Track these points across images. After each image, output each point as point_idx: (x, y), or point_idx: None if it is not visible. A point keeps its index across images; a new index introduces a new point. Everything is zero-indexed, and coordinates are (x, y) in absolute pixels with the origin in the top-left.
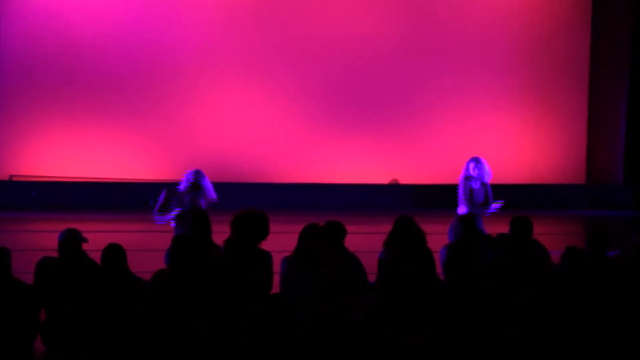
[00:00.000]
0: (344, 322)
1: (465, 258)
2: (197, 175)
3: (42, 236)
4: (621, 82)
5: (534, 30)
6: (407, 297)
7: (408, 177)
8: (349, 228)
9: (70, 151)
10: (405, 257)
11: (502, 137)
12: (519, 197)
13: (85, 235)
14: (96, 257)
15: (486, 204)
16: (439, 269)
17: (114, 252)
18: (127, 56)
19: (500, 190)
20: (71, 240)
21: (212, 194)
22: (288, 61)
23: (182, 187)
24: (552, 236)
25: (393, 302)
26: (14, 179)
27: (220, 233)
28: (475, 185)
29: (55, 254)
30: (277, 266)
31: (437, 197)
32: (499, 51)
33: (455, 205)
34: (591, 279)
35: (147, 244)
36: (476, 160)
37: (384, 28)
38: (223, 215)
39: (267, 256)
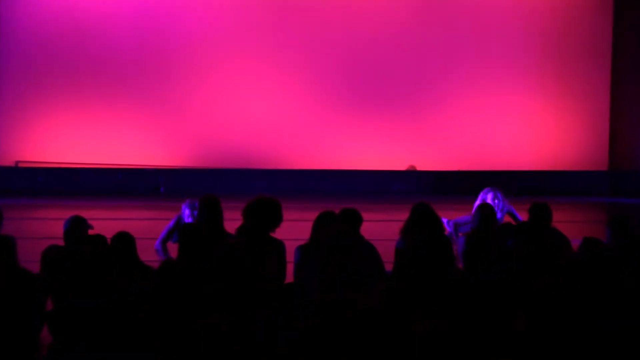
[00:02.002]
0: (358, 310)
1: (484, 247)
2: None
3: (49, 224)
4: None
5: (555, 12)
6: (424, 286)
7: (426, 163)
8: (365, 216)
9: (77, 136)
10: (423, 245)
11: (521, 122)
12: (539, 184)
13: (93, 222)
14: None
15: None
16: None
17: (124, 241)
18: (135, 38)
19: (520, 177)
20: (77, 228)
21: None
22: (298, 42)
23: (188, 218)
24: (573, 224)
25: (406, 290)
26: (20, 165)
27: (232, 220)
28: (498, 215)
29: (61, 242)
30: (290, 255)
31: (456, 183)
32: (518, 34)
33: (475, 193)
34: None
35: (157, 231)
36: (494, 191)
37: (400, 8)
38: (234, 201)
39: (280, 245)
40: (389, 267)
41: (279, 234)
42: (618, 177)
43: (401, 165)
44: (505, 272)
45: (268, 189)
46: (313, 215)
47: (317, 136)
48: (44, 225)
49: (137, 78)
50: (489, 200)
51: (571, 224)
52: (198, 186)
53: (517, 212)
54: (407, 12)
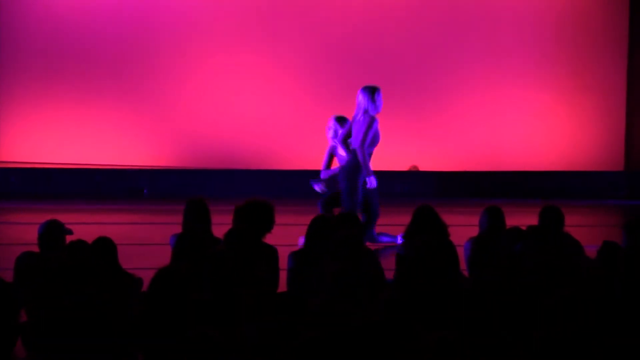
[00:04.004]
0: (358, 321)
1: (491, 252)
2: None
3: (22, 228)
4: None
5: (568, 4)
6: (427, 294)
7: (429, 163)
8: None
9: (52, 134)
10: (426, 251)
11: (532, 120)
12: (551, 186)
13: (70, 227)
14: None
15: None
16: (462, 264)
17: (104, 247)
18: (114, 28)
19: (531, 178)
20: (53, 233)
21: None
22: (292, 34)
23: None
24: (587, 228)
25: (409, 299)
26: None
27: (221, 225)
28: None
29: (36, 248)
30: (283, 262)
31: (461, 185)
32: (530, 26)
33: (483, 195)
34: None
35: (140, 237)
36: None
37: (402, 4)
38: (223, 204)
39: (272, 251)
40: (389, 274)
41: (270, 238)
42: (635, 177)
43: (403, 166)
44: (515, 278)
45: (260, 191)
46: (308, 219)
47: (313, 134)
48: (17, 230)
49: (116, 72)
50: None
51: (585, 228)
52: (184, 188)
53: None
54: (412, 2)
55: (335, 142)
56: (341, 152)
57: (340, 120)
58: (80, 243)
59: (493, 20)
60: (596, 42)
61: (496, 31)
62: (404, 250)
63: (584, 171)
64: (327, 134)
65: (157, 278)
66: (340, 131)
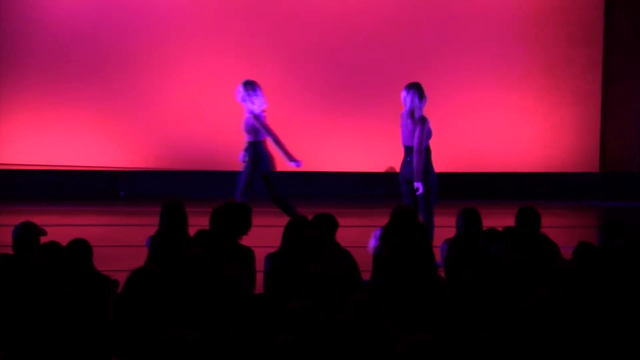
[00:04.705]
0: (334, 322)
1: (468, 254)
2: None
3: None
4: (639, 58)
5: (542, 1)
6: (404, 296)
7: None
8: (341, 221)
9: (28, 136)
10: (403, 252)
11: (507, 122)
12: (527, 187)
13: (47, 229)
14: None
15: None
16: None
17: (80, 249)
18: (91, 33)
19: (507, 180)
20: (27, 235)
21: None
22: (273, 34)
23: None
24: (562, 229)
25: (385, 300)
26: None
27: (198, 227)
28: None
29: (10, 251)
30: (260, 263)
31: (439, 186)
32: (503, 26)
33: (460, 197)
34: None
35: (116, 239)
36: None
37: (382, 3)
38: (200, 206)
39: (249, 253)
40: (367, 275)
41: (247, 240)
42: (610, 178)
43: (381, 167)
44: (491, 279)
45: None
46: (284, 220)
47: (291, 136)
48: None
49: (93, 73)
50: None
51: (560, 229)
52: (161, 190)
53: None
54: (389, 7)
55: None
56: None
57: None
58: (53, 245)
59: (468, 22)
60: (571, 43)
61: (471, 33)
62: (381, 251)
63: (559, 172)
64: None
65: (130, 280)
66: None
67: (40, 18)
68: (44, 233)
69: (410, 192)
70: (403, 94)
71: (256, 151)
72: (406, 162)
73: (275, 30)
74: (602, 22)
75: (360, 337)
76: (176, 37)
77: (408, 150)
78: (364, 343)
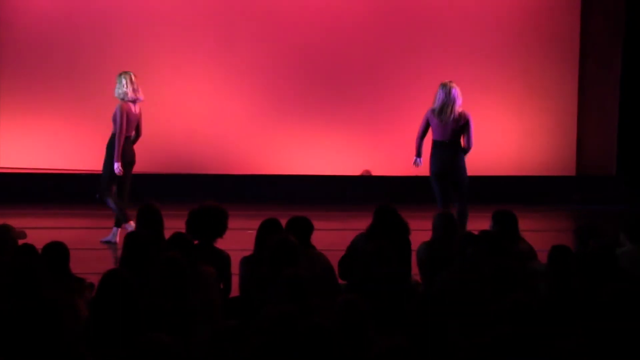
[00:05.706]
0: (309, 325)
1: (443, 257)
2: None
3: None
4: (615, 63)
5: (518, 4)
6: (380, 299)
7: (382, 168)
8: (317, 224)
9: (4, 139)
10: (380, 255)
11: (483, 125)
12: (503, 191)
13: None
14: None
15: None
16: (415, 269)
17: (56, 251)
18: (66, 35)
19: (483, 183)
20: (3, 237)
21: None
22: (248, 37)
23: None
24: (539, 233)
25: (363, 304)
26: None
27: (174, 230)
28: None
29: None
30: (235, 267)
31: (414, 190)
32: (478, 29)
33: (434, 201)
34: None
35: (92, 241)
36: None
37: (358, 9)
38: (177, 209)
39: (224, 256)
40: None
41: (223, 243)
42: (586, 182)
43: (355, 170)
44: (467, 282)
45: (212, 196)
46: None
47: (266, 139)
48: None
49: (69, 75)
50: None
51: (536, 232)
52: (139, 193)
53: None
54: (365, 13)
55: None
56: None
57: None
58: (27, 247)
59: (441, 24)
60: (548, 46)
61: (445, 36)
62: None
63: (535, 176)
64: None
65: (102, 282)
66: None
67: (32, 18)
68: (24, 236)
69: (445, 187)
70: (444, 90)
71: None
72: (440, 158)
73: (246, 33)
74: (579, 27)
75: (339, 340)
76: (150, 40)
77: (443, 145)
78: (342, 346)
